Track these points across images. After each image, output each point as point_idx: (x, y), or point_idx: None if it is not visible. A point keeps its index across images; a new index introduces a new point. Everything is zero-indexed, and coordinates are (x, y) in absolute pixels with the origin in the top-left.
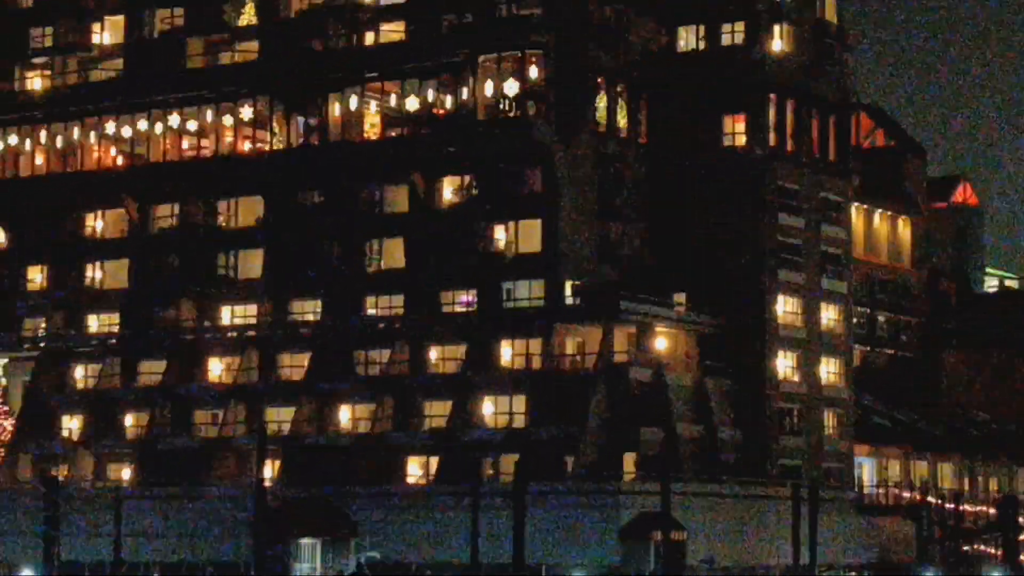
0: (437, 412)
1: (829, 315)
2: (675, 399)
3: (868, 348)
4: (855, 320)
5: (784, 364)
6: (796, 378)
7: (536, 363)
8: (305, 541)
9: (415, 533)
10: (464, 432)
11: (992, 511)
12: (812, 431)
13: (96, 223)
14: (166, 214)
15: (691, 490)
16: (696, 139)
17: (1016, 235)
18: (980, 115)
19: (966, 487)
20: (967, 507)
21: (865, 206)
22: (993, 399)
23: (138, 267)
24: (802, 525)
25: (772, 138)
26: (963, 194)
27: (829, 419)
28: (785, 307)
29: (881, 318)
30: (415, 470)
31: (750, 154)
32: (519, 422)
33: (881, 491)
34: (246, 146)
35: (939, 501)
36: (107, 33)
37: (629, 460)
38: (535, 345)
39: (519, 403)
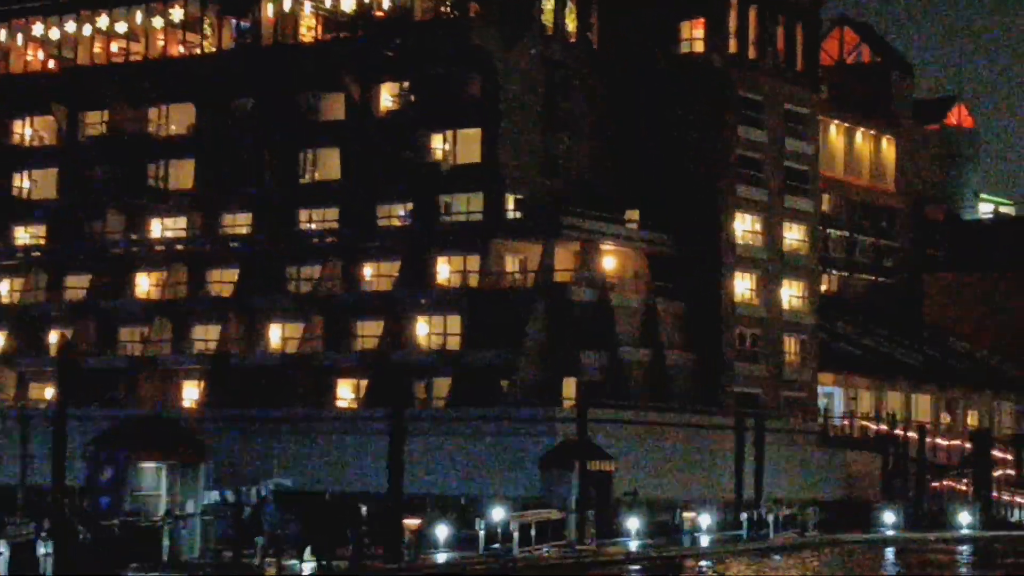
0: (369, 332)
1: (793, 235)
2: (621, 321)
3: (847, 273)
4: (833, 244)
5: (742, 286)
6: (755, 301)
7: (473, 281)
8: (147, 465)
9: (339, 459)
10: (396, 353)
11: (969, 446)
12: (772, 358)
13: (24, 130)
14: (96, 121)
15: (634, 418)
16: (651, 45)
17: (1013, 160)
18: (979, 34)
19: (944, 420)
20: (941, 441)
21: (846, 124)
22: (979, 330)
23: (67, 177)
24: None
25: (733, 45)
26: (957, 116)
27: (791, 345)
28: (744, 225)
29: (862, 241)
30: (346, 393)
31: (709, 62)
32: (454, 343)
33: (848, 423)
34: (178, 49)
35: (910, 434)
36: None
37: (570, 385)
38: (473, 262)
39: (454, 323)
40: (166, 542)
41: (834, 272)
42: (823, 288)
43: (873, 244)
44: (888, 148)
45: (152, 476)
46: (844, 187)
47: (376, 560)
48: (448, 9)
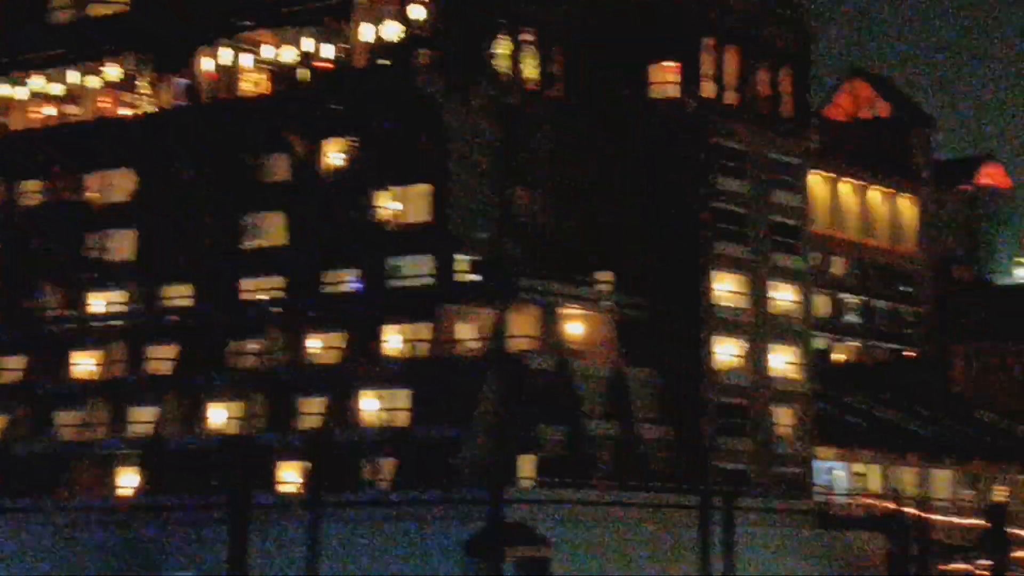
0: (313, 410)
1: (783, 295)
2: (586, 392)
3: (863, 341)
4: (847, 310)
5: (725, 352)
6: (740, 368)
7: (423, 351)
8: None
9: (267, 548)
10: (340, 433)
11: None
12: (760, 431)
13: None
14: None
15: (584, 498)
16: (619, 90)
17: None
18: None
19: (965, 498)
20: (956, 520)
21: (860, 182)
22: (1012, 402)
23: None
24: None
25: (709, 89)
26: (991, 175)
27: (783, 417)
28: (726, 285)
29: (880, 307)
30: (289, 476)
31: (682, 106)
32: (402, 419)
33: (852, 501)
34: (116, 111)
35: (920, 513)
36: None
37: (527, 463)
38: (423, 331)
39: (402, 398)
40: None
41: (849, 340)
42: (842, 357)
43: (892, 310)
44: (909, 208)
45: None
46: (859, 249)
47: None
48: (392, 59)
